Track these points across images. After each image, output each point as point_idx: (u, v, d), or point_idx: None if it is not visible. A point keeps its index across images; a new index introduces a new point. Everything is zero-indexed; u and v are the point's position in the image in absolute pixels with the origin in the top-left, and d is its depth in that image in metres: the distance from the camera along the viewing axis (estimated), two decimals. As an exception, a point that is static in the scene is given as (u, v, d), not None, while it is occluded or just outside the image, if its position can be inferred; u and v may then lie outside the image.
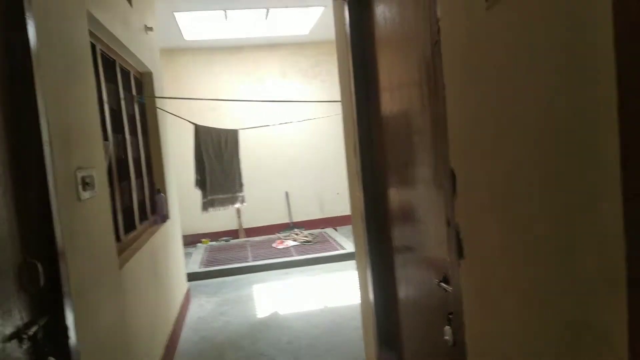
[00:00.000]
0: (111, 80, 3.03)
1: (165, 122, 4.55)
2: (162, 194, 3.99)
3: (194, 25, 6.63)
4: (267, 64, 7.87)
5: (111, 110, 2.93)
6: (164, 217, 3.97)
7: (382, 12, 1.98)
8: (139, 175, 3.59)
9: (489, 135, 1.13)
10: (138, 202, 3.40)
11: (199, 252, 6.78)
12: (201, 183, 4.32)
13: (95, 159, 2.15)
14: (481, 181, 1.20)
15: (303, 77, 7.99)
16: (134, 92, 3.66)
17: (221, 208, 4.58)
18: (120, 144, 3.09)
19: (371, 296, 2.52)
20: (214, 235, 7.59)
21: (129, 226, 3.10)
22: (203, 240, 7.42)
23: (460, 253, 1.36)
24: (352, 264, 5.69)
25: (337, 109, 7.53)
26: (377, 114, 2.24)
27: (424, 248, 1.86)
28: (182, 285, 4.50)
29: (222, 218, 7.48)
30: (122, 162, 3.07)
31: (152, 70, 4.13)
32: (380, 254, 2.43)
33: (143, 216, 3.56)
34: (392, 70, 1.96)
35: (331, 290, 4.79)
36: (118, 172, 2.92)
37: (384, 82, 2.09)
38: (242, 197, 4.81)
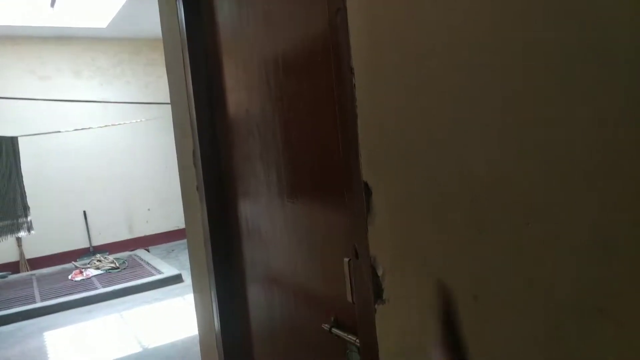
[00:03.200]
0: None
1: None
2: None
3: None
4: (56, 59, 6.58)
5: None
6: None
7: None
8: None
9: (442, 132, 0.81)
10: None
11: (-38, 297, 5.20)
12: (-38, 208, 3.19)
13: None
14: (425, 198, 0.87)
15: (102, 77, 6.90)
16: None
17: (-5, 240, 3.47)
18: None
19: (217, 325, 2.05)
20: (-15, 272, 5.97)
21: None
22: (-33, 279, 5.76)
23: (378, 294, 1.02)
24: (173, 289, 5.02)
25: (148, 113, 6.72)
26: (223, 118, 1.81)
27: (297, 277, 1.48)
28: None
29: (-5, 249, 5.92)
30: None
31: None
32: (230, 278, 1.99)
33: None
34: (247, 62, 1.56)
35: (151, 326, 4.06)
36: None
37: (234, 78, 1.68)
38: (28, 223, 3.75)
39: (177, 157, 2.19)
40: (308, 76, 1.27)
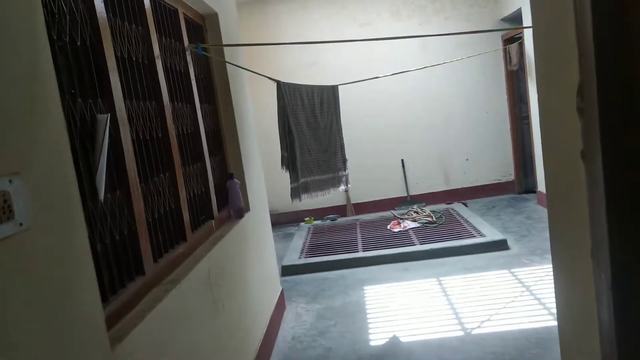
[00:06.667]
0: (130, 18, 1.95)
1: (243, 83, 3.46)
2: (237, 180, 2.94)
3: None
4: (375, 3, 6.44)
5: (128, 64, 1.86)
6: (240, 212, 2.93)
7: None
8: (198, 159, 2.55)
9: None
10: (192, 199, 2.37)
11: (301, 235, 5.80)
12: (290, 162, 3.19)
13: (42, 157, 1.08)
14: None
15: (420, 16, 6.43)
16: (185, 40, 2.58)
17: (319, 193, 3.43)
18: (153, 117, 2.03)
19: (609, 334, 1.20)
20: (319, 213, 6.56)
21: (172, 239, 2.07)
22: (306, 219, 6.44)
23: None
24: (496, 257, 4.28)
25: (469, 51, 5.90)
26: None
27: None
28: (272, 292, 3.49)
29: (327, 193, 6.41)
30: (154, 145, 2.01)
31: (217, 10, 3.03)
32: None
33: (204, 216, 2.54)
34: None
35: (473, 304, 3.46)
36: (143, 163, 1.87)
37: None
38: (346, 177, 3.61)
39: (540, 100, 1.36)
40: None
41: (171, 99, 2.22)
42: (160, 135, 2.07)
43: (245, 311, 2.72)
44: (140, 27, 2.02)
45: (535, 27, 1.37)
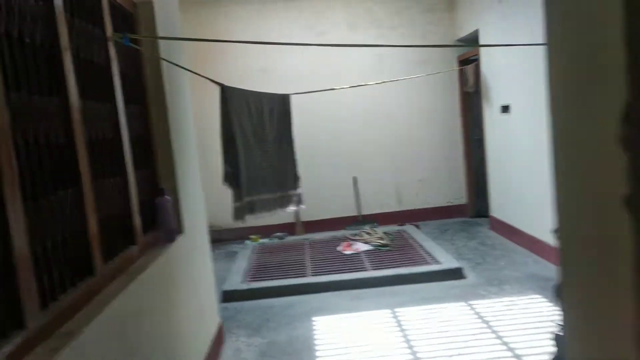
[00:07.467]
0: (30, -12, 1.50)
1: (182, 85, 3.03)
2: (168, 197, 2.50)
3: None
4: (332, 13, 6.18)
5: (16, 45, 1.41)
6: (171, 234, 2.48)
7: None
8: (117, 171, 2.10)
9: None
10: (107, 220, 1.91)
11: (246, 254, 5.35)
12: (233, 178, 2.78)
13: None
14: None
15: (377, 30, 6.23)
16: (109, 28, 2.13)
17: (265, 214, 3.03)
18: (52, 117, 1.57)
19: None
20: (266, 230, 6.11)
21: (74, 275, 1.61)
22: (252, 236, 5.99)
23: None
24: (452, 287, 4.02)
25: (427, 70, 5.73)
26: None
27: None
28: (208, 327, 3.04)
29: (275, 210, 5.98)
30: (52, 153, 1.56)
31: (153, -2, 2.60)
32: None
33: (122, 241, 2.08)
34: None
35: (430, 340, 3.16)
36: (33, 175, 1.42)
37: None
38: (298, 196, 3.24)
39: (555, 128, 1.04)
40: None
41: (82, 96, 1.77)
42: (62, 141, 1.61)
43: (172, 356, 2.26)
44: (40, 2, 1.57)
45: (550, 30, 1.06)
